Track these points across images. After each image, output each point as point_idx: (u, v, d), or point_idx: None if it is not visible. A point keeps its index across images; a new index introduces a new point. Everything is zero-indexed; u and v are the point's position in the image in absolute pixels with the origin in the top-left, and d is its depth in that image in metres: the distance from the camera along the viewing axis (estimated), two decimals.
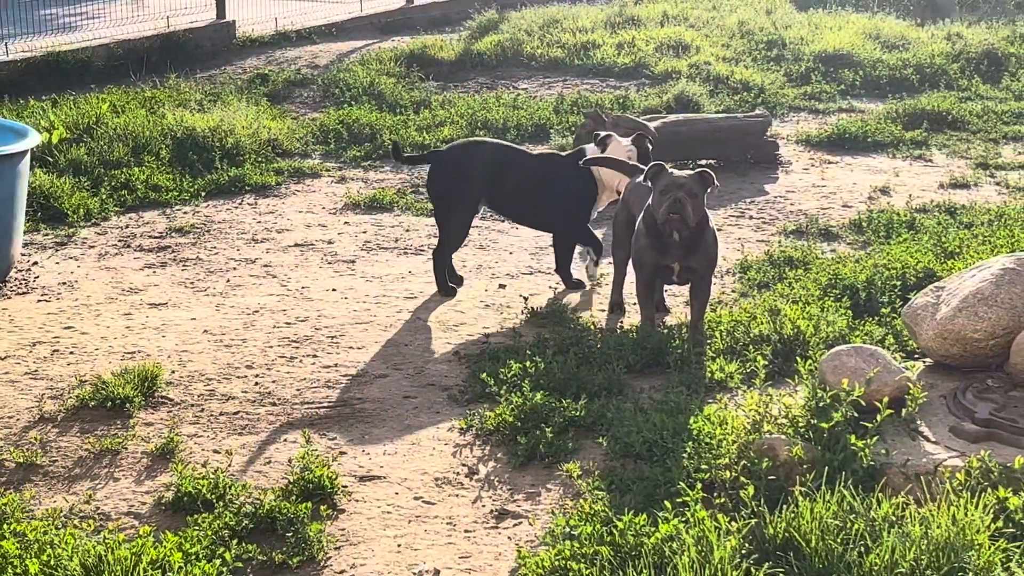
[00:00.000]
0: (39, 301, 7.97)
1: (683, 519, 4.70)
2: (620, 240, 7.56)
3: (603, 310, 7.67)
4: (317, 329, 7.47)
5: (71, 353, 7.09)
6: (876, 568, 4.37)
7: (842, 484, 4.79)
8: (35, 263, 8.71)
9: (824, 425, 5.19)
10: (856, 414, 5.25)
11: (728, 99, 13.53)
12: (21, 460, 5.73)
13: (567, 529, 4.87)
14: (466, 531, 5.15)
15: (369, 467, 5.73)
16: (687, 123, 11.29)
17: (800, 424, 5.34)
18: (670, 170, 6.82)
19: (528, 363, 6.52)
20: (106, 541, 4.71)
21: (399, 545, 5.04)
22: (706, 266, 6.93)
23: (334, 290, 8.17)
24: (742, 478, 5.02)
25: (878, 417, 5.13)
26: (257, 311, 7.79)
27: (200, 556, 4.69)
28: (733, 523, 4.65)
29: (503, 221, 9.71)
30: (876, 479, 4.99)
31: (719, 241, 7.21)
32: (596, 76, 15.17)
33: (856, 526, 4.54)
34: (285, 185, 10.76)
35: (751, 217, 9.82)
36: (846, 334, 6.65)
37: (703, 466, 5.18)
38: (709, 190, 6.81)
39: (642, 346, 6.72)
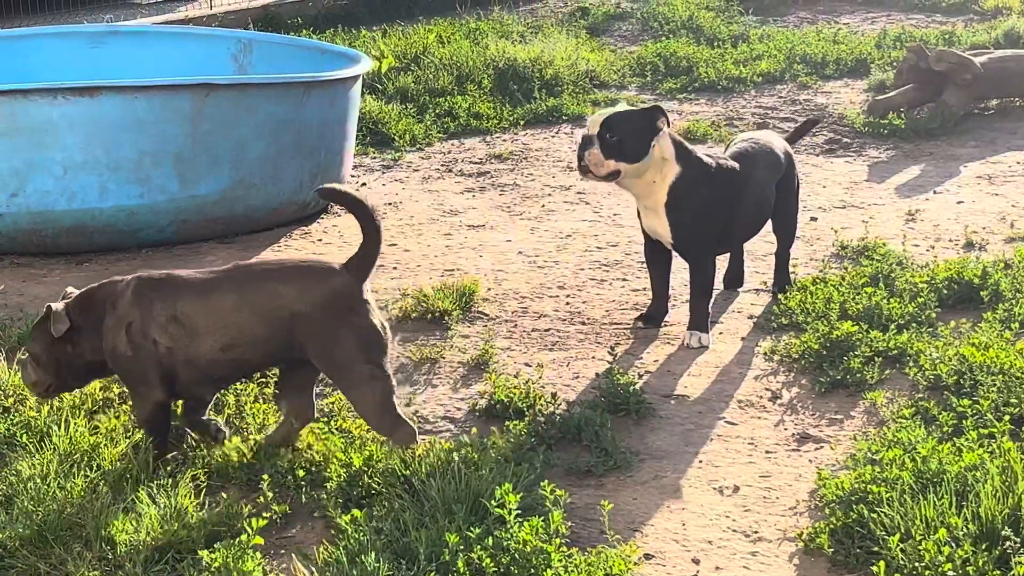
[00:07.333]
0: None
1: (988, 450, 4.67)
2: None
3: (917, 246, 7.54)
4: (627, 254, 7.63)
5: (395, 268, 7.46)
6: None
7: None
8: (363, 184, 9.17)
9: None
10: None
11: None
12: None
13: (869, 454, 4.89)
14: (767, 452, 5.22)
15: (673, 386, 5.86)
16: (1015, 59, 10.89)
17: None
18: None
19: (836, 293, 6.50)
20: (423, 441, 4.99)
21: (700, 461, 5.15)
22: None
23: None
24: None
25: None
26: (570, 235, 8.00)
27: (510, 459, 4.91)
28: None
29: (818, 155, 9.68)
30: None
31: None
32: (922, 12, 14.77)
33: None
34: None
35: None
36: None
37: (1012, 400, 5.10)
38: None
39: (955, 281, 6.60)
